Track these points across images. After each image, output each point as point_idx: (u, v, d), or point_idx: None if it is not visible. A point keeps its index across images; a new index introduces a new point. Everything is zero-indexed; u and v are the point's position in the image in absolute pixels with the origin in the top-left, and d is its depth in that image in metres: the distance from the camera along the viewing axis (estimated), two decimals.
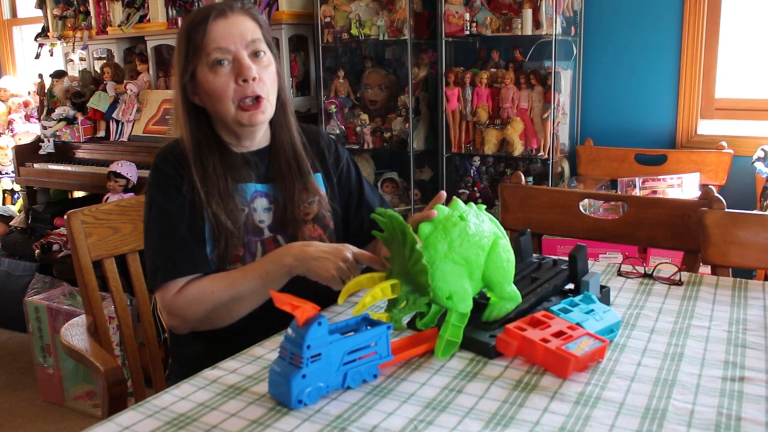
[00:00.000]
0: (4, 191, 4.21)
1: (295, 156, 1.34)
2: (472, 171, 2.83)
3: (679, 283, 1.35)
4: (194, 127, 1.28)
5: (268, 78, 1.25)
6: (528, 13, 2.48)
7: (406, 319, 1.11)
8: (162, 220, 1.24)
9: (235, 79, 1.22)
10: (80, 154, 3.44)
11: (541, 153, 2.58)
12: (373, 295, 0.97)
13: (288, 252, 1.18)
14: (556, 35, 2.46)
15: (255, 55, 1.24)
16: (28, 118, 4.28)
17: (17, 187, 3.92)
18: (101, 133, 3.43)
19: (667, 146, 2.67)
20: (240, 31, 1.23)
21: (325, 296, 1.21)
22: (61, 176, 3.36)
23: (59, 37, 3.63)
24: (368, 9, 2.81)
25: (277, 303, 0.89)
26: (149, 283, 1.26)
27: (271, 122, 1.34)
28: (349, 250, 1.17)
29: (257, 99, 1.24)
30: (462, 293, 1.02)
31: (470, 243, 1.02)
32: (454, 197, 1.09)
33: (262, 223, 1.30)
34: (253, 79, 1.22)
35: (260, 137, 1.34)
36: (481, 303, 1.10)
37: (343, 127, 2.96)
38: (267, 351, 1.08)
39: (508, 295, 1.09)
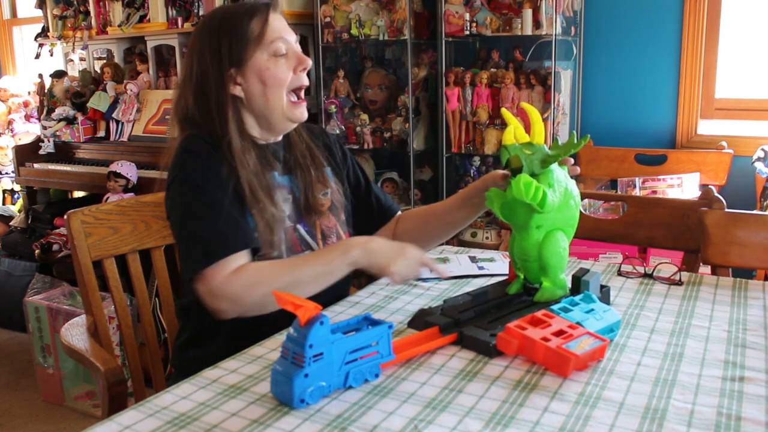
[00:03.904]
0: (4, 191, 4.21)
1: (309, 149, 1.38)
2: (472, 171, 2.84)
3: (679, 283, 1.36)
4: (234, 120, 1.27)
5: None
6: (528, 13, 2.48)
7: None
8: (206, 200, 1.19)
9: (294, 68, 1.28)
10: (80, 154, 3.44)
11: None
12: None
13: (353, 243, 1.20)
14: (556, 35, 2.47)
15: None
16: (28, 118, 4.28)
17: (17, 187, 3.92)
18: (101, 133, 3.43)
19: (667, 146, 2.68)
20: (289, 28, 1.32)
21: (326, 297, 1.21)
22: (61, 176, 3.36)
23: (59, 37, 3.62)
24: (368, 9, 2.81)
25: (279, 302, 0.89)
26: (193, 266, 1.16)
27: None
28: (413, 249, 1.21)
29: (305, 92, 1.31)
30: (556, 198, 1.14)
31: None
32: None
33: (282, 213, 1.32)
34: (307, 69, 1.31)
35: (279, 135, 1.37)
36: (533, 288, 1.21)
37: (343, 127, 2.96)
38: (267, 351, 1.08)
39: (560, 282, 1.18)
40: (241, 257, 1.17)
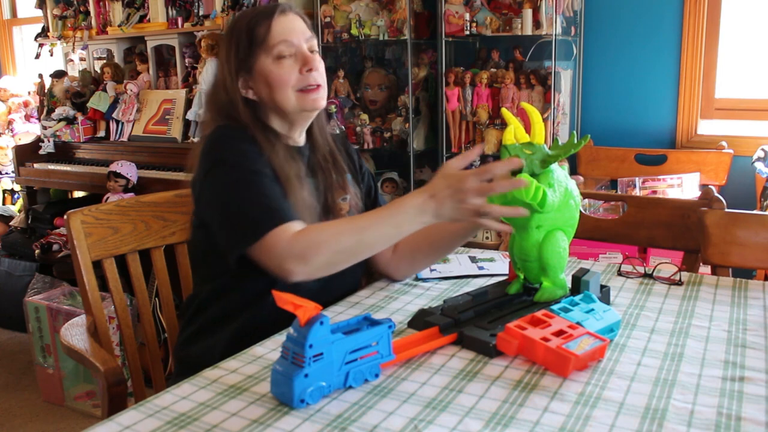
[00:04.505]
0: (4, 191, 4.21)
1: (332, 154, 1.39)
2: None
3: (679, 283, 1.36)
4: (254, 121, 1.29)
5: (322, 71, 1.32)
6: (528, 13, 2.48)
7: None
8: (254, 176, 1.20)
9: (299, 69, 1.28)
10: (80, 154, 3.44)
11: None
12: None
13: (425, 207, 1.10)
14: (556, 35, 2.46)
15: (311, 51, 1.31)
16: (28, 118, 4.28)
17: (17, 187, 3.92)
18: (101, 133, 3.43)
19: (667, 146, 2.68)
20: (300, 28, 1.31)
21: (326, 296, 1.21)
22: (61, 176, 3.36)
23: (59, 37, 3.62)
24: (368, 9, 2.81)
25: (279, 302, 0.89)
26: (252, 234, 1.14)
27: (312, 123, 1.38)
28: (472, 179, 1.07)
29: (317, 86, 1.30)
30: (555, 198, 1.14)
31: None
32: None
33: (311, 198, 1.32)
34: (315, 69, 1.30)
35: (301, 134, 1.37)
36: (533, 288, 1.21)
37: (343, 127, 2.96)
38: (267, 351, 1.08)
39: (560, 282, 1.19)
40: (299, 223, 1.17)
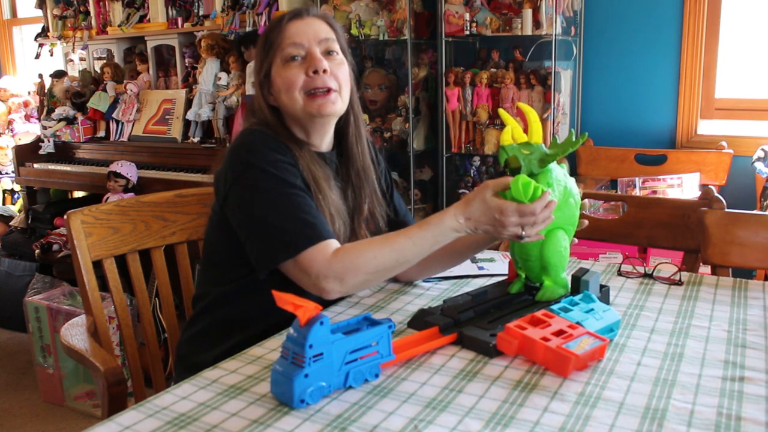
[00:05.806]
0: (4, 191, 4.21)
1: (364, 169, 1.36)
2: (472, 171, 2.84)
3: (679, 283, 1.36)
4: (280, 128, 1.28)
5: (340, 74, 1.28)
6: (528, 13, 2.48)
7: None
8: (292, 189, 1.19)
9: (306, 71, 1.25)
10: (80, 154, 3.44)
11: None
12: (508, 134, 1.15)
13: (458, 226, 1.14)
14: (556, 35, 2.46)
15: (328, 53, 1.28)
16: (28, 118, 4.28)
17: (17, 187, 3.93)
18: (101, 133, 3.43)
19: (667, 146, 2.68)
20: (314, 30, 1.28)
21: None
22: (61, 176, 3.37)
23: (59, 37, 3.63)
24: (368, 9, 2.81)
25: (279, 302, 0.89)
26: (290, 248, 1.14)
27: (344, 131, 1.35)
28: (513, 218, 1.10)
29: (327, 90, 1.26)
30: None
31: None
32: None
33: (340, 202, 1.32)
34: (324, 71, 1.25)
35: (327, 140, 1.34)
36: (534, 287, 1.22)
37: None
38: (267, 351, 1.08)
39: (561, 281, 1.19)
40: (335, 242, 1.17)
